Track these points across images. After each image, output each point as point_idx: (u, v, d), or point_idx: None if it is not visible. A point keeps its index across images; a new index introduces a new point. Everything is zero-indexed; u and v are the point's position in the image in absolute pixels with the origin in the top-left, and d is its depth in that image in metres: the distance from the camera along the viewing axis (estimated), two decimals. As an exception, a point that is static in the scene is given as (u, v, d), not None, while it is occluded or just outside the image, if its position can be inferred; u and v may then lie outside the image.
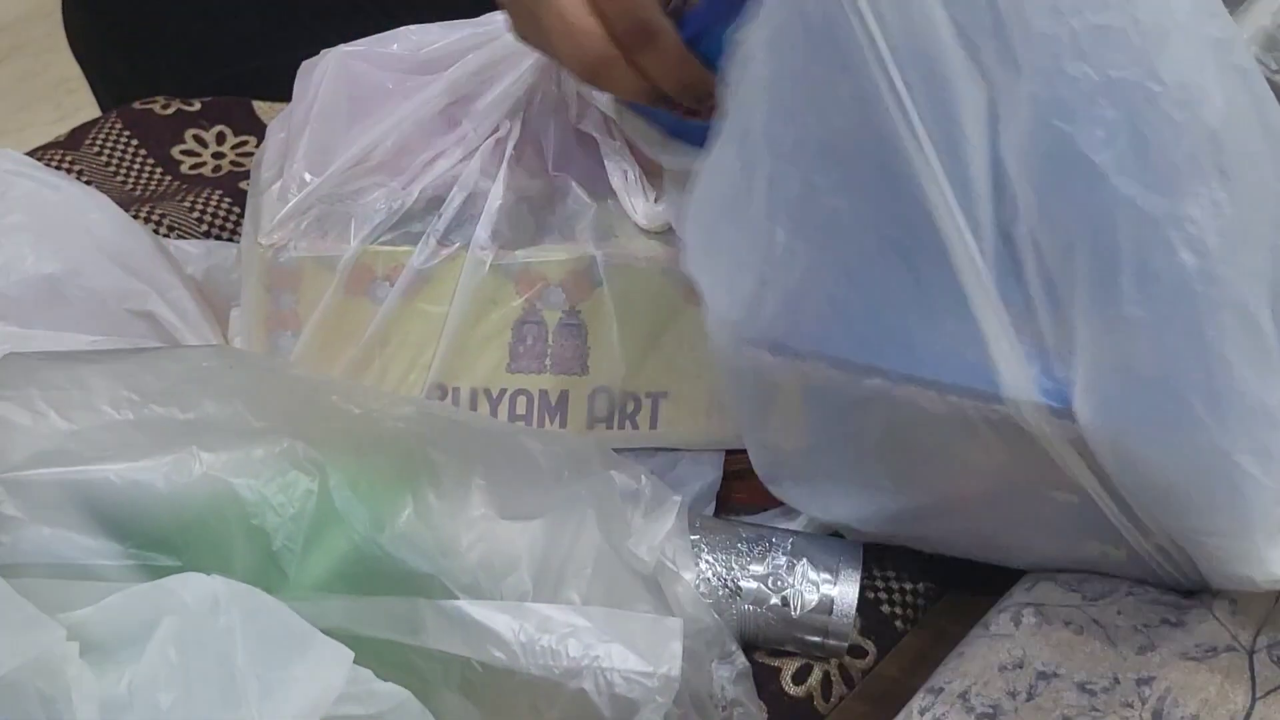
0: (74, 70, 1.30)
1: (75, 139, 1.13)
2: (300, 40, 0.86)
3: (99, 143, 1.12)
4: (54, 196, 0.92)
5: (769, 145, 0.65)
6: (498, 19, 0.83)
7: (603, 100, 0.82)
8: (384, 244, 0.81)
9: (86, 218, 0.92)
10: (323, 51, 0.84)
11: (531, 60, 0.82)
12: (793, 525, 0.84)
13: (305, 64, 0.84)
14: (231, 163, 1.12)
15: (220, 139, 1.13)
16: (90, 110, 1.20)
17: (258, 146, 0.90)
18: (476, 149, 0.82)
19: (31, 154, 1.08)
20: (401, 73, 0.83)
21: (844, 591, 0.79)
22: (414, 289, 0.81)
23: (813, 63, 0.63)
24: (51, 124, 1.43)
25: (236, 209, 1.05)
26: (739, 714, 0.73)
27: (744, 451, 0.87)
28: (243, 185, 1.04)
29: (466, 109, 0.82)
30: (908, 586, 0.84)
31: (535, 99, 0.83)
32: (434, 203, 0.81)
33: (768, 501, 0.85)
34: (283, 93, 0.86)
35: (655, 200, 0.81)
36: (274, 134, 0.85)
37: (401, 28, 0.85)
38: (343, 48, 0.83)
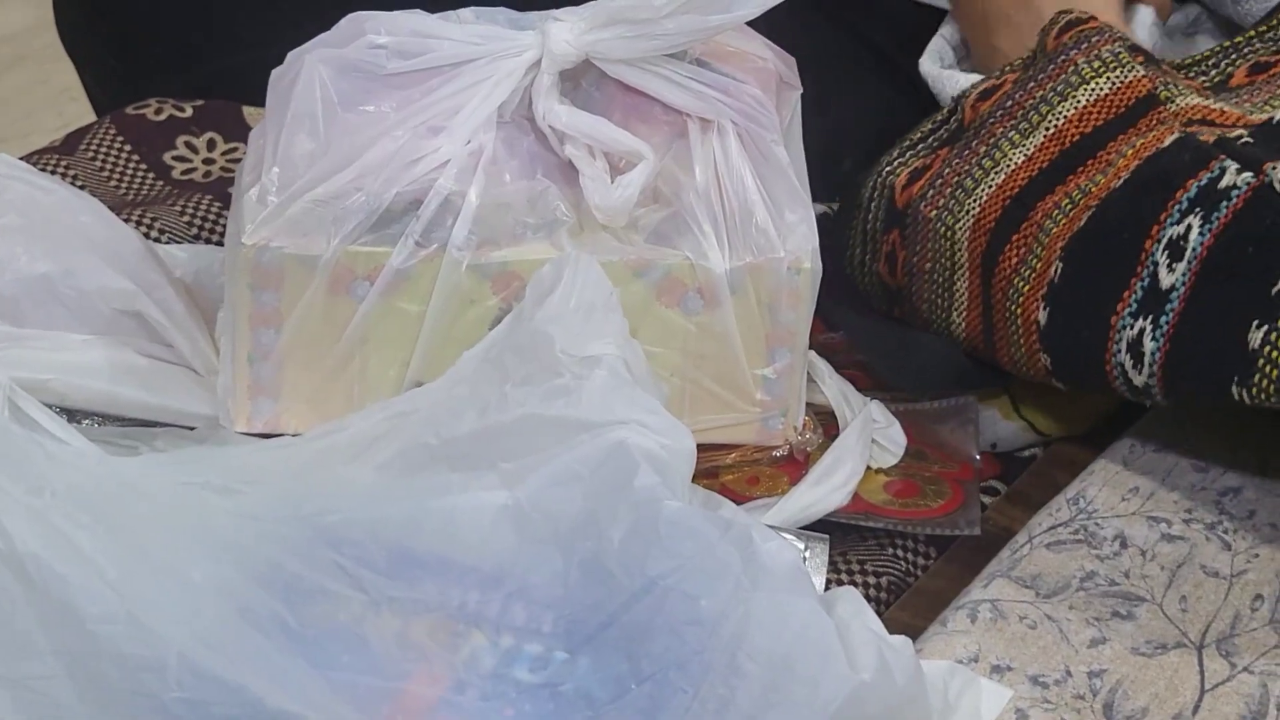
0: (76, 79, 1.33)
1: (70, 144, 1.15)
2: (294, 35, 0.87)
3: (93, 148, 1.15)
4: (46, 199, 0.94)
5: None
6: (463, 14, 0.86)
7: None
8: (364, 245, 0.83)
9: (77, 220, 0.94)
10: (289, 56, 0.86)
11: (504, 75, 0.84)
12: (764, 519, 0.86)
13: (275, 72, 0.86)
14: (221, 168, 1.14)
15: (211, 145, 1.16)
16: (91, 118, 1.23)
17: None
18: (453, 157, 0.84)
19: (27, 158, 1.11)
20: (371, 76, 0.84)
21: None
22: (393, 288, 0.83)
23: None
24: (54, 131, 1.45)
25: (226, 213, 1.08)
26: None
27: (718, 448, 0.89)
28: (231, 190, 1.06)
29: (445, 122, 0.84)
30: (871, 580, 0.86)
31: (509, 110, 0.85)
32: (413, 205, 0.83)
33: (740, 497, 0.87)
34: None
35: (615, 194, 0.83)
36: (255, 140, 0.87)
37: (362, 20, 0.86)
38: (313, 53, 0.85)
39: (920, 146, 0.97)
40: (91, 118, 1.23)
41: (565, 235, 0.84)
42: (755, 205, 0.84)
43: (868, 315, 0.99)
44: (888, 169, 0.97)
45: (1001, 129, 0.92)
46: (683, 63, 0.85)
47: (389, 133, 0.84)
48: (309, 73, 0.84)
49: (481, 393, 0.78)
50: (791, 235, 0.84)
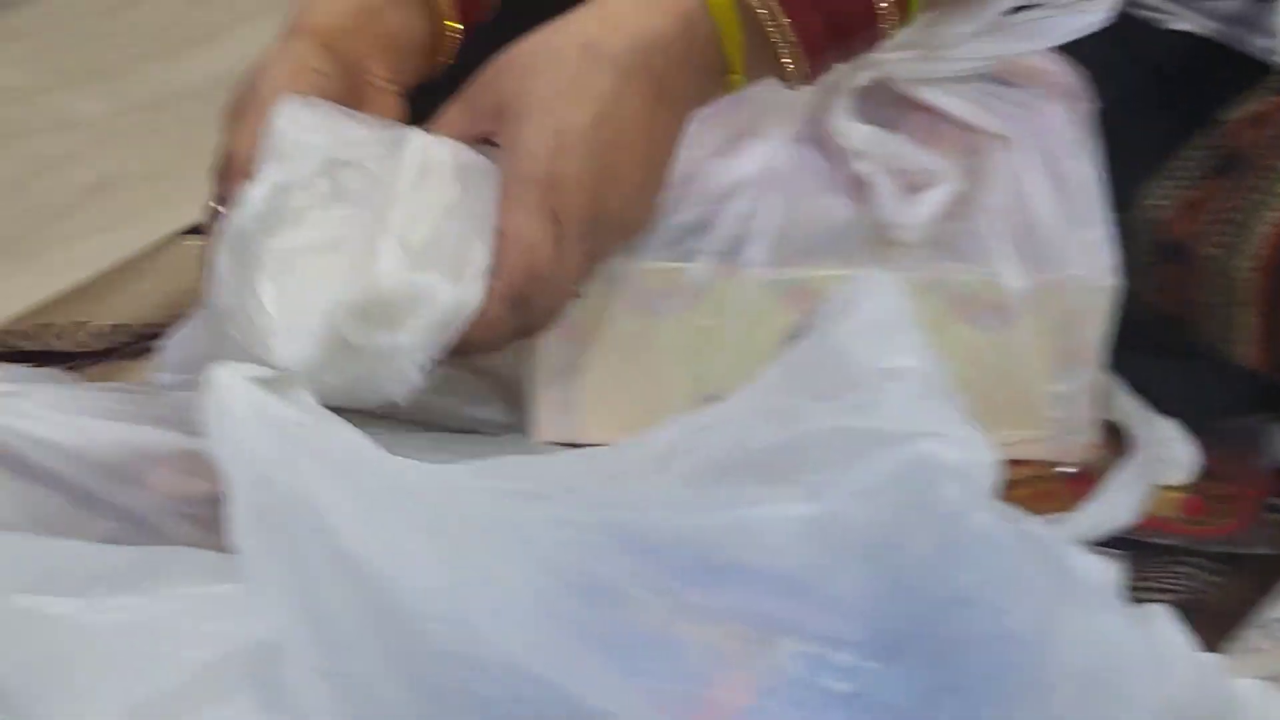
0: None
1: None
2: None
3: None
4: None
5: None
6: None
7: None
8: (661, 261, 0.85)
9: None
10: None
11: (799, 94, 0.86)
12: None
13: None
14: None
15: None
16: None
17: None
18: (748, 175, 0.85)
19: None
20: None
21: None
22: (690, 304, 0.85)
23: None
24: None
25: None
26: None
27: (1009, 464, 0.89)
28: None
29: (740, 140, 0.86)
30: (1161, 599, 0.86)
31: (803, 129, 0.87)
32: (709, 222, 0.85)
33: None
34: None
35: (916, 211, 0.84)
36: None
37: None
38: None
39: (1182, 176, 0.95)
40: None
41: (860, 252, 0.85)
42: (1051, 223, 0.84)
43: (1140, 352, 0.98)
44: (1150, 201, 0.95)
45: (1275, 159, 0.89)
46: (978, 80, 0.86)
47: (686, 151, 0.85)
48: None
49: (780, 407, 0.80)
50: (1088, 253, 0.84)
